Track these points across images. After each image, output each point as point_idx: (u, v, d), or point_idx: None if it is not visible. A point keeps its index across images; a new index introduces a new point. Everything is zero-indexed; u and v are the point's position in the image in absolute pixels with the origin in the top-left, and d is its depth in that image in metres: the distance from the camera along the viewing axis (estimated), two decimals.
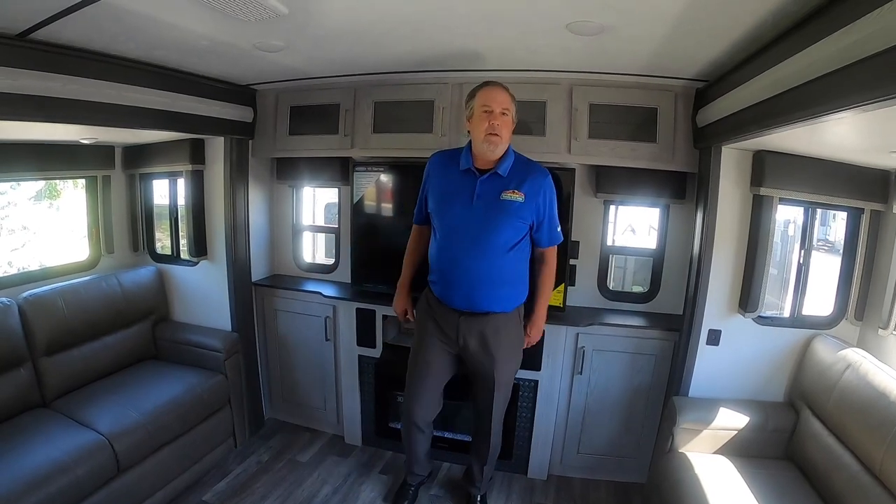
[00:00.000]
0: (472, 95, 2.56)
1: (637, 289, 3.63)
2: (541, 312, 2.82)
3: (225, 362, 3.48)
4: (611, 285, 3.58)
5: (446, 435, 3.56)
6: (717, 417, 2.70)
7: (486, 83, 2.54)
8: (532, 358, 3.27)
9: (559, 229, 2.75)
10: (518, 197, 2.53)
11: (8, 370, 2.83)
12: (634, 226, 3.64)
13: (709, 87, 2.76)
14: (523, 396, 3.37)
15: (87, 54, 2.43)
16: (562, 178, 3.17)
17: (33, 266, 3.47)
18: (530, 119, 3.14)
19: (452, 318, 2.68)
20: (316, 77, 3.34)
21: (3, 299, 2.88)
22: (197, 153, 3.51)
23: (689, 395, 2.92)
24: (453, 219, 2.60)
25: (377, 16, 2.18)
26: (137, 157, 3.76)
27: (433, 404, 2.94)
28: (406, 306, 3.01)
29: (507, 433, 3.40)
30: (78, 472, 2.46)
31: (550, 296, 2.85)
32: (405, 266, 2.99)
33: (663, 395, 3.16)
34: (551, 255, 2.77)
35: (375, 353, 3.61)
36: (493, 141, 2.48)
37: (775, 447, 2.69)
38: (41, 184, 4.62)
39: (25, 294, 3.01)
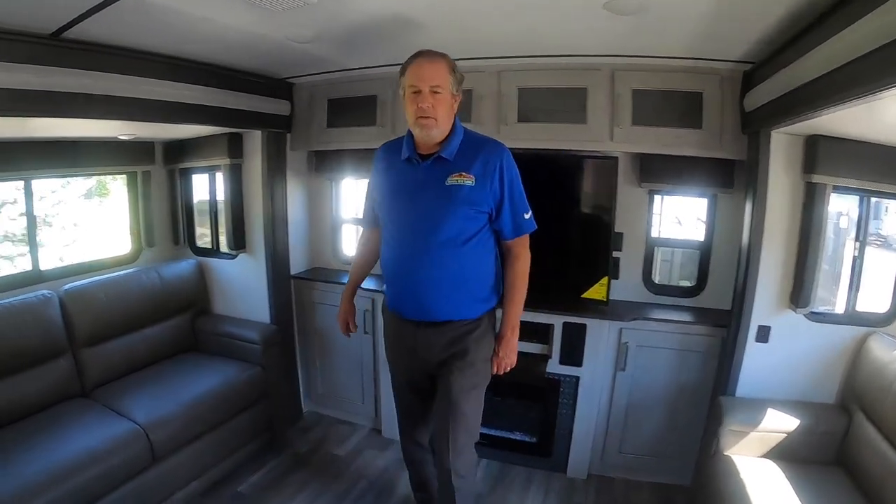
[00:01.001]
0: (402, 72, 2.15)
1: (683, 283, 3.46)
2: (510, 324, 2.33)
3: (262, 355, 3.49)
4: (656, 279, 3.43)
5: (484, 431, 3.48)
6: (765, 419, 2.54)
7: (417, 55, 2.13)
8: (574, 353, 3.19)
9: (528, 216, 2.28)
10: (467, 180, 2.13)
11: (49, 360, 2.92)
12: (681, 217, 3.48)
13: (756, 68, 2.60)
14: (564, 393, 3.28)
15: (118, 51, 2.46)
16: (605, 168, 3.11)
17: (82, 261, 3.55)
18: (571, 107, 3.03)
19: (409, 332, 2.32)
20: (352, 69, 3.31)
21: (45, 292, 2.96)
22: (235, 147, 3.53)
23: (737, 394, 2.76)
24: (396, 214, 2.26)
25: (407, 5, 2.14)
26: (177, 152, 3.81)
27: (421, 423, 2.60)
28: (347, 317, 2.69)
29: (547, 430, 3.36)
30: (113, 461, 2.53)
31: (522, 302, 2.34)
32: (350, 274, 2.69)
33: (709, 395, 3.00)
34: (521, 248, 2.31)
35: None
36: (426, 124, 2.09)
37: (826, 452, 2.51)
38: (92, 182, 4.77)
39: (66, 287, 3.10)
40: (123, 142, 3.45)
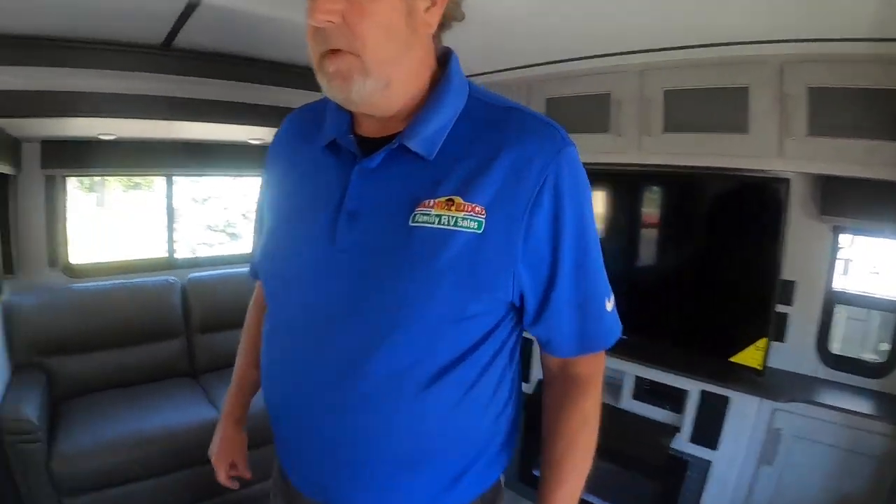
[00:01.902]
0: None
1: (871, 356, 2.51)
2: None
3: None
4: (835, 347, 2.52)
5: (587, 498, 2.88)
6: None
7: None
8: (710, 430, 2.51)
9: (611, 305, 0.98)
10: (462, 217, 0.85)
11: (166, 339, 3.21)
12: (880, 265, 2.52)
13: None
14: (690, 478, 2.57)
15: (227, 58, 2.57)
16: (771, 192, 2.40)
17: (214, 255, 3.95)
18: (727, 113, 2.40)
19: None
20: (474, 74, 3.03)
21: (170, 278, 3.30)
22: None
23: None
24: (288, 279, 0.99)
25: None
26: None
27: None
28: (231, 454, 1.32)
29: None
30: (179, 441, 2.61)
31: (584, 480, 1.01)
32: (236, 368, 1.33)
33: None
34: (592, 369, 1.01)
35: (528, 388, 3.09)
36: (335, 73, 0.84)
37: None
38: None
39: (191, 276, 3.39)
40: (256, 145, 3.63)
